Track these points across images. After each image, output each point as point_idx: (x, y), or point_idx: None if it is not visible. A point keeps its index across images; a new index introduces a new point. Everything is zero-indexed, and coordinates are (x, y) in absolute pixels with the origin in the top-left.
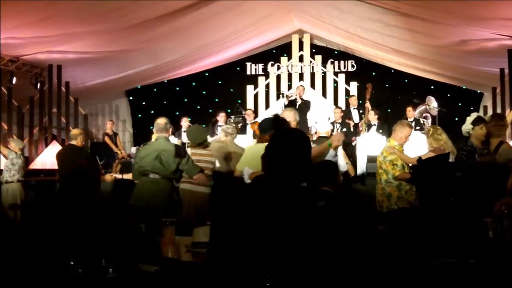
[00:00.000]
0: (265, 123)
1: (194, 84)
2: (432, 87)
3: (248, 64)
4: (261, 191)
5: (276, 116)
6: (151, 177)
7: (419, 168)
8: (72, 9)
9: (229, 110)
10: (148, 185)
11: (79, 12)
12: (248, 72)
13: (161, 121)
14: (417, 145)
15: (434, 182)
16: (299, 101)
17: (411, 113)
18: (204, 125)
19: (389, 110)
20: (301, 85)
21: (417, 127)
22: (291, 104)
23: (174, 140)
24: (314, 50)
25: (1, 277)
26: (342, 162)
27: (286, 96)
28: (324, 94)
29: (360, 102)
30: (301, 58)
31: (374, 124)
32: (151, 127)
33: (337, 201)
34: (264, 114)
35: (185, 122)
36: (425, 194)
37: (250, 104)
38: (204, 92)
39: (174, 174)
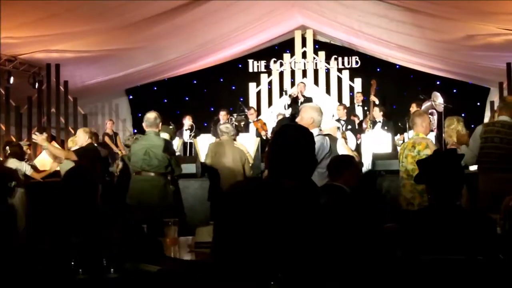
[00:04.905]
0: (282, 123)
1: (195, 82)
2: (438, 82)
3: (250, 61)
4: (266, 190)
5: (293, 116)
6: (143, 175)
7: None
8: (70, 8)
9: (231, 108)
10: (141, 182)
11: (77, 10)
12: (250, 70)
13: (150, 115)
14: None
15: (441, 177)
16: (301, 99)
17: (415, 110)
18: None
19: (394, 107)
20: (302, 82)
21: None
22: (294, 102)
23: (176, 139)
24: (317, 46)
25: (2, 278)
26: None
27: (289, 95)
28: (328, 91)
29: (365, 98)
30: (304, 55)
31: (379, 121)
32: None
33: (352, 198)
34: (267, 111)
35: (188, 121)
36: (434, 190)
37: (252, 101)
38: (205, 90)
39: (165, 168)
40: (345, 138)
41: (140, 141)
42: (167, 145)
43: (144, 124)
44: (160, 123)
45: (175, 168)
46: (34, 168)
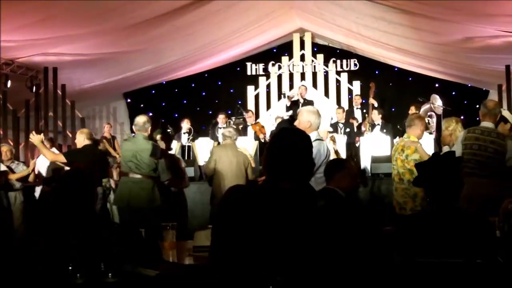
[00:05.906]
0: (281, 125)
1: (193, 85)
2: (437, 85)
3: (249, 64)
4: (264, 193)
5: (292, 117)
6: (130, 177)
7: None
8: (68, 10)
9: (229, 111)
10: (129, 185)
11: (75, 13)
12: (249, 73)
13: (140, 119)
14: (424, 144)
15: (440, 180)
16: (301, 101)
17: (413, 112)
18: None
19: (393, 109)
20: (303, 85)
21: None
22: (294, 104)
23: (173, 142)
24: (315, 49)
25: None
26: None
27: (288, 97)
28: (326, 93)
29: (364, 101)
30: (302, 57)
31: (378, 124)
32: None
33: (345, 200)
34: (265, 114)
35: (186, 124)
36: (433, 193)
37: (251, 104)
38: (203, 93)
39: (154, 172)
40: (333, 141)
41: (128, 142)
42: (155, 149)
43: (133, 128)
44: (150, 128)
45: (162, 173)
46: (10, 169)
